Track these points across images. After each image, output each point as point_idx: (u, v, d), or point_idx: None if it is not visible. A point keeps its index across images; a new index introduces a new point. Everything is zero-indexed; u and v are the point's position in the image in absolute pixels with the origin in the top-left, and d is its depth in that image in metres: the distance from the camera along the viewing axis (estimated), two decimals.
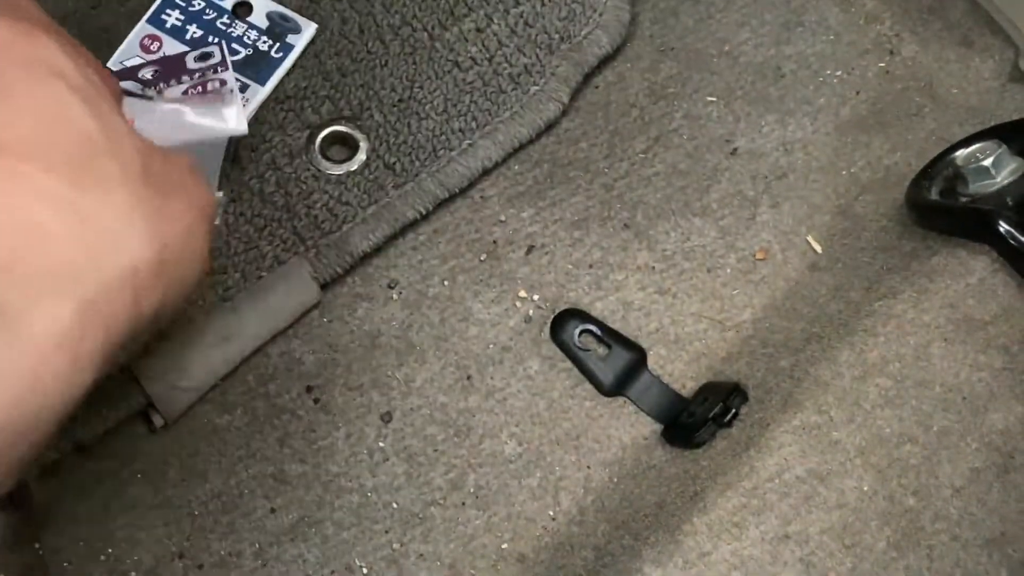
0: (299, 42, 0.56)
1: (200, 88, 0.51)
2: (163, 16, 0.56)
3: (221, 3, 0.56)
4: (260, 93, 0.55)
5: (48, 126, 0.27)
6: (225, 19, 0.56)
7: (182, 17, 0.56)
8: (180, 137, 0.43)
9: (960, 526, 0.45)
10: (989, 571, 0.44)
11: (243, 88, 0.55)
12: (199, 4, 0.56)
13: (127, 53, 0.55)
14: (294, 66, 0.56)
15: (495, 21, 0.57)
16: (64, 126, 0.27)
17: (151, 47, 0.55)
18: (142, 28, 0.56)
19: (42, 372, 0.24)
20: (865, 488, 0.45)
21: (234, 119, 0.44)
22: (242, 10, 0.57)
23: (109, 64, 0.54)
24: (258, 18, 0.57)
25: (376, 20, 0.57)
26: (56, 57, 0.28)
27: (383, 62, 0.56)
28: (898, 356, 0.47)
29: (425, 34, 0.57)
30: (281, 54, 0.56)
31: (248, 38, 0.56)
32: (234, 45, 0.56)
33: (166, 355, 0.49)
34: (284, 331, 0.51)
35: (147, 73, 0.51)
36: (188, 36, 0.56)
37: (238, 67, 0.55)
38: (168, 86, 0.51)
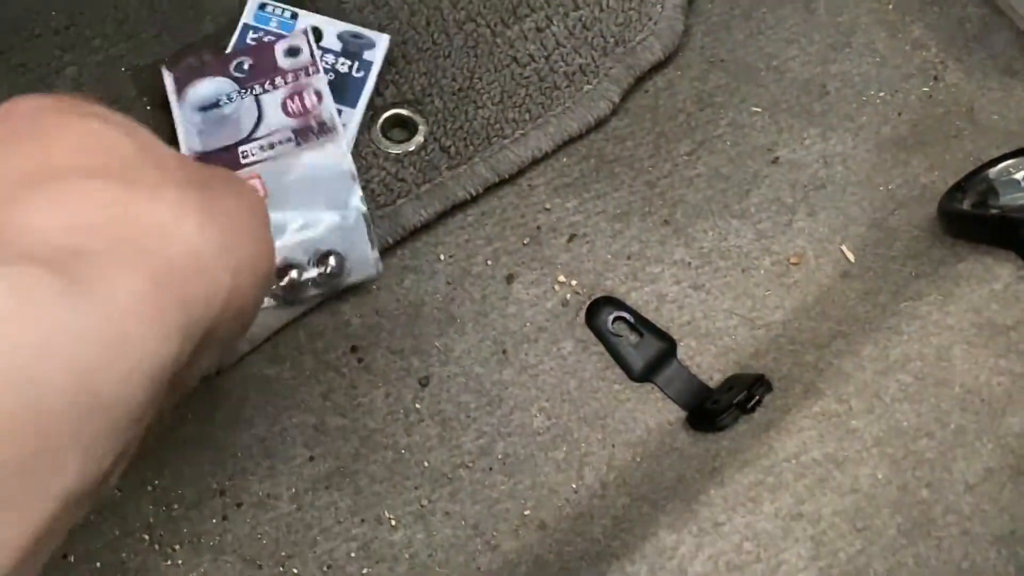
0: (376, 56, 0.58)
1: (298, 101, 0.54)
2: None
3: (290, 34, 0.57)
4: (355, 116, 0.57)
5: (86, 148, 0.28)
6: None
7: None
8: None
9: (971, 521, 0.46)
10: (997, 567, 0.45)
11: (338, 113, 0.56)
12: (270, 40, 0.57)
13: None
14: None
15: (555, 22, 0.60)
16: (102, 146, 0.28)
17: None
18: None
19: (126, 335, 0.25)
20: (879, 476, 0.46)
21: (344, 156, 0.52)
22: (313, 36, 0.57)
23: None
24: (330, 41, 0.58)
25: (443, 14, 0.60)
26: (87, 105, 0.30)
27: (446, 53, 0.59)
28: (920, 355, 0.49)
29: (488, 30, 0.60)
30: (362, 73, 0.57)
31: (327, 62, 0.57)
32: None
33: None
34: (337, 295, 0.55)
35: (243, 65, 0.55)
36: None
37: None
38: (264, 89, 0.55)
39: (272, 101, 0.54)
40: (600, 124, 0.60)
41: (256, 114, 0.54)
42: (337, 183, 0.52)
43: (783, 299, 0.57)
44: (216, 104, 0.54)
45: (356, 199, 0.52)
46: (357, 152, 0.57)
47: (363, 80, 0.57)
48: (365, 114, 0.58)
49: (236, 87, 0.54)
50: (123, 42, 0.60)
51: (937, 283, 0.51)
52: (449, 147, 0.57)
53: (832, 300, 0.56)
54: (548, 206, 0.58)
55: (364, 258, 0.52)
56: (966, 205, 0.53)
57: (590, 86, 0.59)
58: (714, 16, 0.64)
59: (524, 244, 0.57)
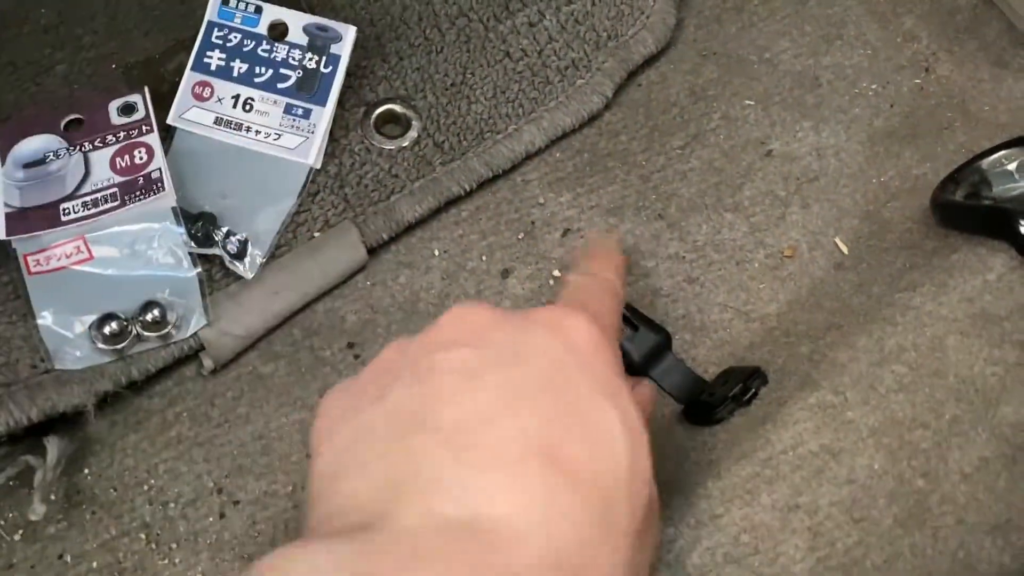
0: (344, 50, 0.56)
1: (127, 158, 0.52)
2: (205, 59, 0.56)
3: (256, 30, 0.56)
4: (324, 115, 0.56)
5: (596, 456, 0.28)
6: (264, 45, 0.56)
7: (223, 56, 0.56)
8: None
9: (966, 510, 0.46)
10: (992, 555, 0.46)
11: (306, 114, 0.55)
12: (235, 37, 0.56)
13: (183, 105, 0.56)
14: (350, 62, 0.57)
15: (547, 17, 0.60)
16: (607, 460, 0.28)
17: (204, 94, 0.56)
18: (190, 77, 0.56)
19: None
20: (875, 467, 0.47)
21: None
22: (276, 32, 0.57)
23: (169, 120, 0.55)
24: (296, 35, 0.56)
25: (435, 9, 0.60)
26: (614, 379, 0.30)
27: (439, 48, 0.59)
28: (915, 346, 0.49)
29: (480, 25, 0.60)
30: (330, 67, 0.56)
31: (293, 59, 0.56)
32: (282, 70, 0.56)
33: (220, 303, 0.52)
34: (331, 290, 0.54)
35: (75, 121, 0.53)
36: (235, 73, 0.56)
37: (291, 92, 0.55)
38: (94, 146, 0.52)
39: (101, 158, 0.52)
40: (593, 118, 0.60)
41: (83, 171, 0.52)
42: (167, 239, 0.52)
43: (777, 292, 0.57)
44: (42, 160, 0.52)
45: (187, 259, 0.51)
46: (350, 148, 0.57)
47: (331, 76, 0.56)
48: (359, 108, 0.57)
49: (65, 144, 0.53)
50: (114, 39, 0.59)
51: (931, 274, 0.51)
52: (443, 142, 0.57)
53: (826, 292, 0.56)
54: (542, 201, 0.58)
55: (196, 312, 0.51)
56: (959, 196, 0.53)
57: (583, 80, 0.59)
58: (706, 9, 0.64)
59: (519, 239, 0.57)
